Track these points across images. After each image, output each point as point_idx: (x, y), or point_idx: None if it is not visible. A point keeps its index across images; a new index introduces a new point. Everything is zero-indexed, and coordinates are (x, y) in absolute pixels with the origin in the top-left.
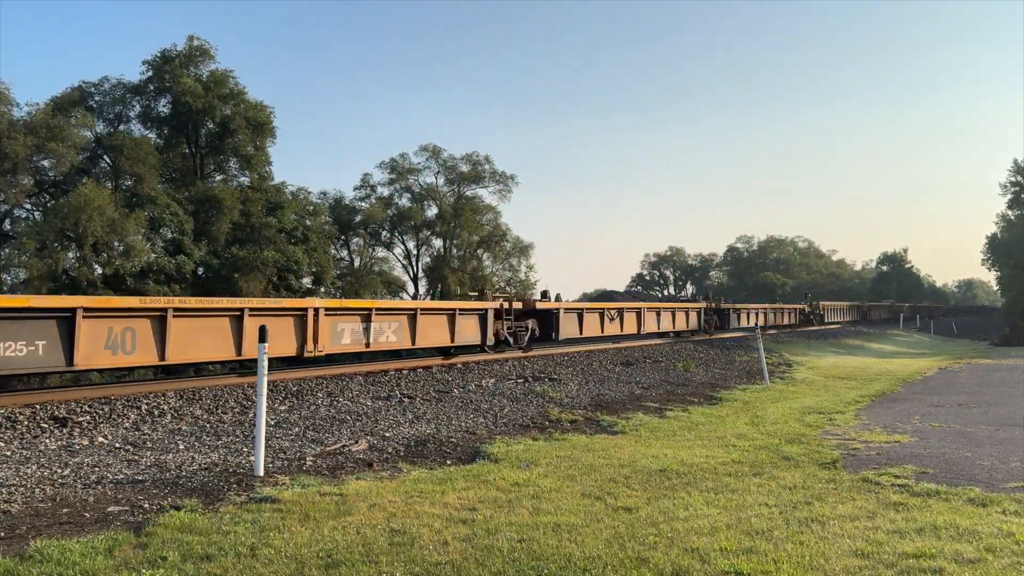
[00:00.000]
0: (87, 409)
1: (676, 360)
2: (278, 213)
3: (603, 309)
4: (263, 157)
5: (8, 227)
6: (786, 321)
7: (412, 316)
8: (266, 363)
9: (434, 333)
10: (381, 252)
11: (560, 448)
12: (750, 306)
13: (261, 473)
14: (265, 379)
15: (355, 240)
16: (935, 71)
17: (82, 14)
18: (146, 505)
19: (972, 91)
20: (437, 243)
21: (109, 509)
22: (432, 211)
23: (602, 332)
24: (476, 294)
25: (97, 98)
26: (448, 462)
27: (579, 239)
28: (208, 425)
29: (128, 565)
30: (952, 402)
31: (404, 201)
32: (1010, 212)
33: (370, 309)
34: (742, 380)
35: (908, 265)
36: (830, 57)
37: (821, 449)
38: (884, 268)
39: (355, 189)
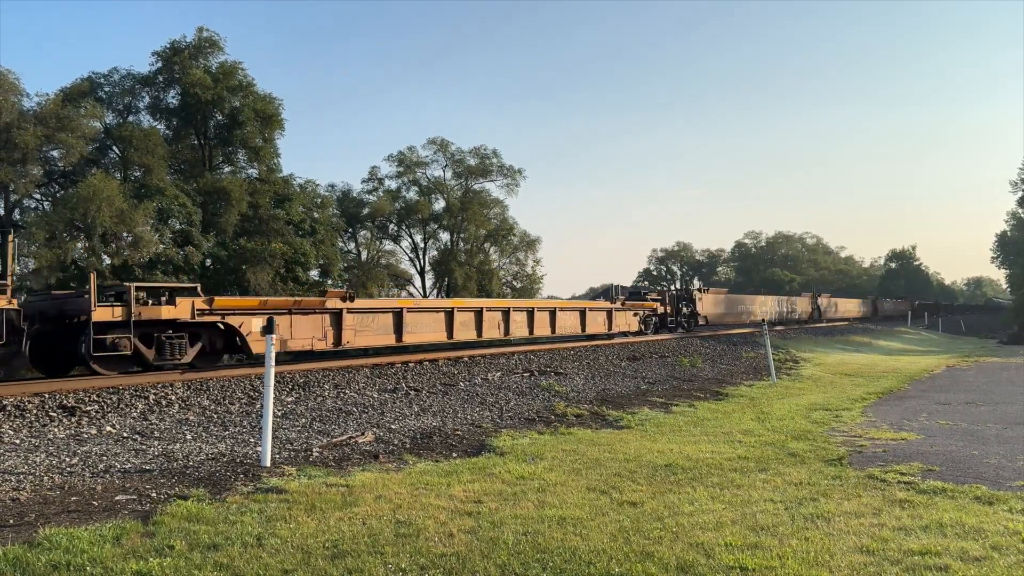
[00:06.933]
0: (95, 398)
1: (683, 356)
2: (286, 205)
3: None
4: (271, 149)
5: (17, 217)
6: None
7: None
8: (273, 354)
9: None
10: (388, 245)
11: (566, 442)
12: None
13: (268, 464)
14: (272, 370)
15: (362, 233)
16: (944, 69)
17: (92, 4)
18: (153, 494)
19: (981, 89)
20: (444, 237)
21: (117, 498)
22: (439, 204)
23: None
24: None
25: (107, 89)
26: (454, 455)
27: (586, 234)
28: (215, 415)
29: (136, 553)
30: (959, 400)
31: (412, 194)
32: (1020, 210)
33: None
34: (748, 376)
35: (917, 262)
36: (839, 55)
37: (827, 446)
38: (892, 265)
39: (363, 182)
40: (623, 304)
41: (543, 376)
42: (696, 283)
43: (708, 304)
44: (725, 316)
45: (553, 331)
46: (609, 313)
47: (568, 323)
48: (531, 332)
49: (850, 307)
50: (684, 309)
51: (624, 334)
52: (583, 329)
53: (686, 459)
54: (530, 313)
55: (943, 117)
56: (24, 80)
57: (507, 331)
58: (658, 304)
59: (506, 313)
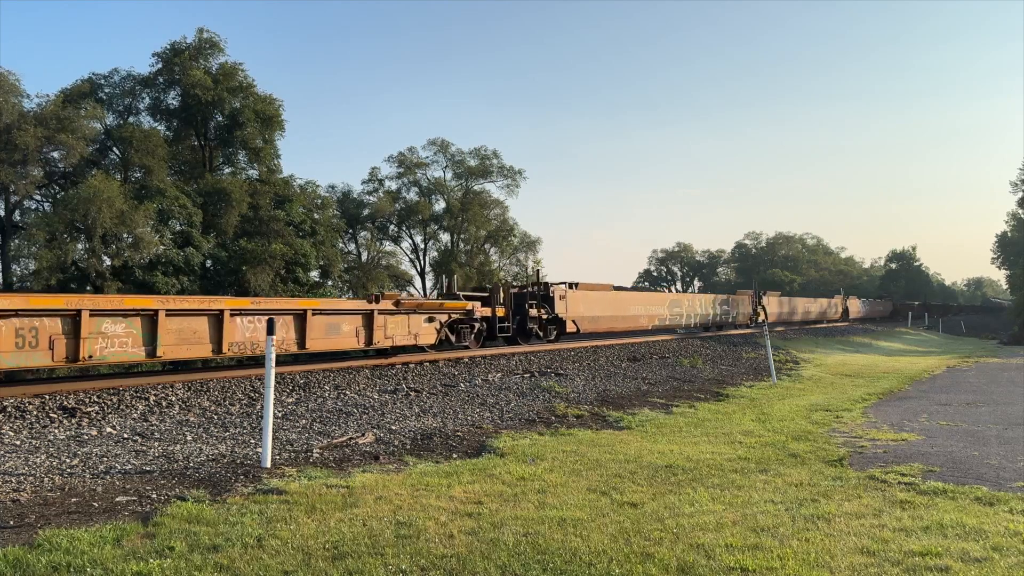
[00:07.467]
0: (96, 400)
1: (683, 356)
2: (286, 206)
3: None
4: (272, 150)
5: (18, 218)
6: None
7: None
8: (274, 355)
9: None
10: (389, 246)
11: (566, 443)
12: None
13: (268, 465)
14: (273, 371)
15: (363, 234)
16: (944, 67)
17: (92, 5)
18: (154, 495)
19: (981, 88)
20: (444, 237)
21: (117, 499)
22: (440, 205)
23: None
24: None
25: (107, 90)
26: (454, 456)
27: (587, 234)
28: (216, 416)
29: (136, 555)
30: (960, 401)
31: (412, 195)
32: (1020, 210)
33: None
34: (749, 377)
35: (917, 263)
36: (838, 54)
37: (828, 447)
38: (893, 266)
39: (363, 183)
40: (398, 305)
41: (543, 377)
42: (696, 284)
43: (579, 305)
44: (608, 321)
45: (218, 349)
46: (368, 317)
47: (255, 336)
48: (153, 352)
49: (810, 308)
50: (538, 311)
51: (407, 349)
52: (301, 344)
53: (686, 460)
54: (152, 319)
55: (946, 115)
56: (24, 81)
57: (74, 353)
58: (476, 305)
59: (74, 319)
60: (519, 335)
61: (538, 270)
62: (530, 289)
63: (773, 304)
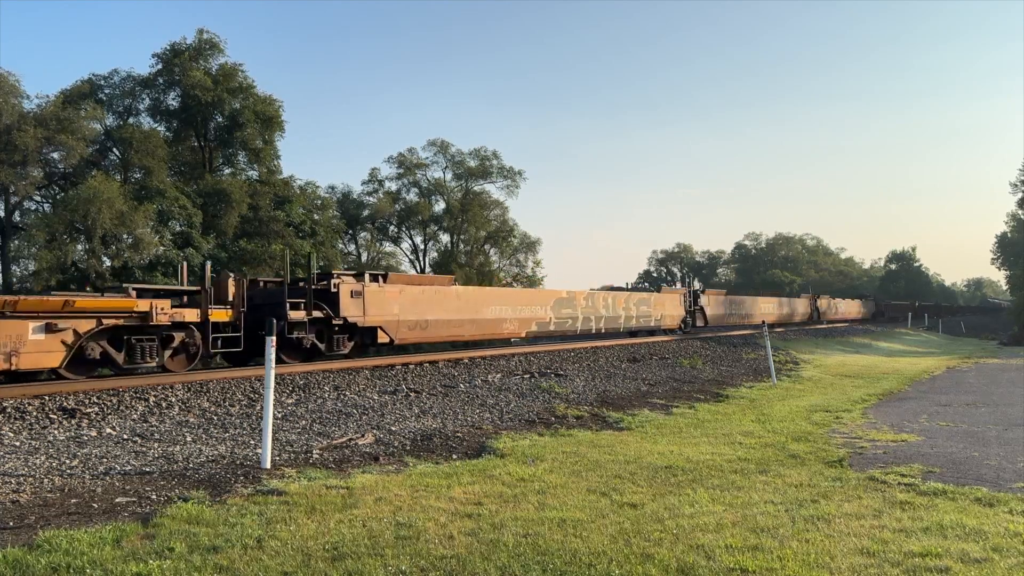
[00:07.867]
0: (95, 400)
1: (683, 357)
2: (286, 207)
3: None
4: (272, 151)
5: (18, 219)
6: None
7: None
8: (273, 356)
9: None
10: (388, 247)
11: (566, 444)
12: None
13: (268, 466)
14: (273, 372)
15: (363, 234)
16: (944, 67)
17: (92, 5)
18: (153, 496)
19: (981, 88)
20: (444, 238)
21: (117, 500)
22: (440, 206)
23: None
24: None
25: (107, 91)
26: (454, 456)
27: (587, 234)
28: (215, 417)
29: (136, 556)
30: (960, 401)
31: (412, 196)
32: (1020, 211)
33: None
34: (749, 378)
35: (917, 263)
36: (838, 54)
37: (828, 447)
38: (893, 266)
39: (363, 183)
40: None
41: (543, 378)
42: (696, 285)
43: (390, 305)
44: (445, 327)
45: None
46: None
47: None
48: None
49: (768, 309)
50: (308, 314)
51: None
52: None
53: (686, 461)
54: None
55: (946, 115)
56: (24, 81)
57: None
58: (163, 305)
59: None
60: (282, 349)
61: (310, 255)
62: (287, 283)
63: (714, 305)
